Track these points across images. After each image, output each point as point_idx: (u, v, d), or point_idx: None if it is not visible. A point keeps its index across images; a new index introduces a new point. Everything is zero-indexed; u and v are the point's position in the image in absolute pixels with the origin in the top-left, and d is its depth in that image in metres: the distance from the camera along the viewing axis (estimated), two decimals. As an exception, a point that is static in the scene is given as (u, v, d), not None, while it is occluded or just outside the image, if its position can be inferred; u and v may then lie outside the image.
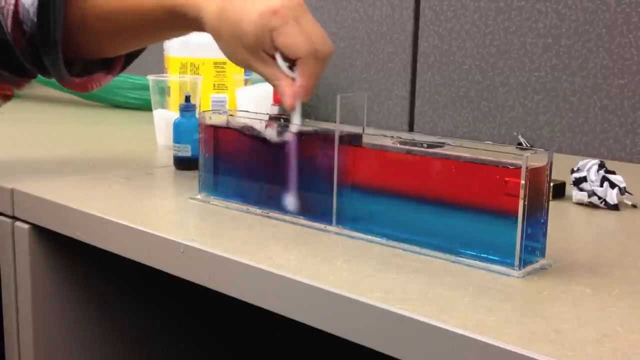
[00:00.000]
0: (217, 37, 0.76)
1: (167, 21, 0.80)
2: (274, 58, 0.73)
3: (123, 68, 0.93)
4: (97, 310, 0.90)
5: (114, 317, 0.91)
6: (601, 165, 0.83)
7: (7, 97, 0.92)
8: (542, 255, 0.62)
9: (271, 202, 0.75)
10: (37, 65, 0.84)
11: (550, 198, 0.62)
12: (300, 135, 0.73)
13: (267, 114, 0.79)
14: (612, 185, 0.82)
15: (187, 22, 0.79)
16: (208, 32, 0.77)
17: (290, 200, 0.73)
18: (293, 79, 0.73)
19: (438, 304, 0.52)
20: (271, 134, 0.75)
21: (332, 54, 0.73)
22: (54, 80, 0.88)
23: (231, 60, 0.77)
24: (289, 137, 0.73)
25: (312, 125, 0.74)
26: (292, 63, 0.73)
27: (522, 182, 0.57)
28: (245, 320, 1.04)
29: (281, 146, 0.74)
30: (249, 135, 0.77)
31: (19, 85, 0.91)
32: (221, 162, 0.79)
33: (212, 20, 0.75)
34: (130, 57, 0.93)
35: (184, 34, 0.85)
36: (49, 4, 0.80)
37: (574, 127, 1.17)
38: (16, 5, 0.81)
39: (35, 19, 0.80)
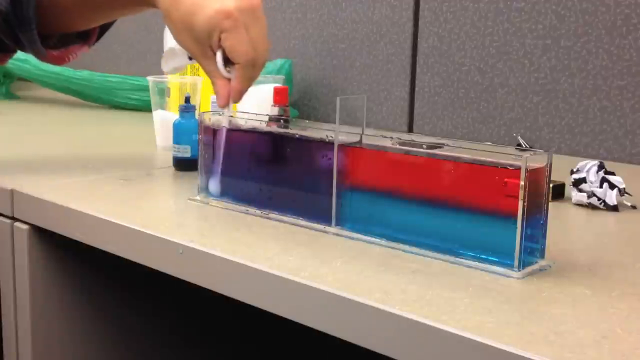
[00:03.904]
0: (167, 19, 0.79)
1: (125, 1, 0.85)
2: (215, 54, 0.76)
3: (97, 39, 0.95)
4: (96, 311, 0.90)
5: (113, 317, 0.91)
6: (601, 166, 0.83)
7: None
8: (542, 256, 0.62)
9: (270, 203, 0.75)
10: (15, 42, 0.86)
11: (550, 199, 0.62)
12: (293, 137, 0.73)
13: (267, 114, 0.79)
14: (612, 186, 0.82)
15: (142, 1, 0.82)
16: (160, 10, 0.80)
17: (214, 184, 0.78)
18: (229, 80, 0.77)
19: (437, 305, 0.52)
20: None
21: (266, 63, 0.78)
22: (52, 80, 0.89)
23: (176, 41, 0.80)
24: (221, 128, 0.78)
25: (312, 127, 0.74)
26: (230, 64, 0.77)
27: (522, 183, 0.57)
28: (244, 321, 1.04)
29: (280, 146, 0.74)
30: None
31: (1, 61, 0.93)
32: (220, 163, 0.79)
33: (164, 2, 0.78)
34: (103, 29, 0.95)
35: (139, 11, 0.89)
36: None
37: (573, 128, 1.17)
38: None
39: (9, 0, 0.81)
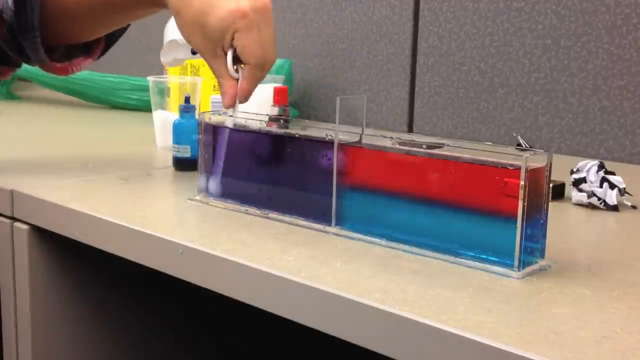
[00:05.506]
0: (177, 16, 0.79)
1: (136, 1, 0.84)
2: (225, 54, 0.77)
3: (103, 52, 0.95)
4: (96, 311, 0.90)
5: (113, 317, 0.91)
6: (601, 166, 0.83)
7: None
8: (542, 256, 0.61)
9: (270, 203, 0.75)
10: (19, 53, 0.86)
11: (550, 199, 0.62)
12: (292, 135, 0.73)
13: (267, 114, 0.79)
14: (612, 186, 0.82)
15: (152, 1, 0.82)
16: (169, 8, 0.79)
17: (213, 185, 0.78)
18: (236, 80, 0.78)
19: (437, 305, 0.52)
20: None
21: (273, 64, 0.79)
22: (52, 81, 0.89)
23: (186, 40, 0.80)
24: (225, 128, 0.78)
25: (312, 127, 0.74)
26: (238, 65, 0.77)
27: (522, 183, 0.57)
28: (244, 321, 1.04)
29: (280, 146, 0.74)
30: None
31: (3, 74, 0.92)
32: (220, 163, 0.79)
33: (175, 1, 0.78)
34: (109, 42, 0.95)
35: (151, 12, 0.88)
36: None
37: (573, 128, 1.17)
38: None
39: (12, 7, 0.81)
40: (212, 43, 0.77)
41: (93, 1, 0.85)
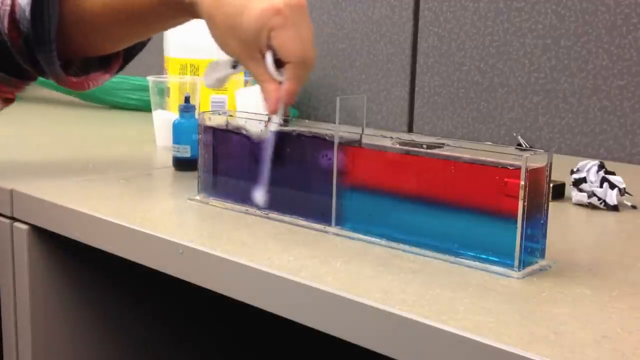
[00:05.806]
0: (211, 24, 0.76)
1: (163, 11, 0.80)
2: (264, 56, 0.73)
3: (122, 67, 0.93)
4: (96, 311, 0.90)
5: (113, 318, 0.91)
6: (601, 166, 0.83)
7: (8, 101, 0.91)
8: (542, 256, 0.61)
9: (270, 203, 0.75)
10: (33, 65, 0.84)
11: (550, 199, 0.62)
12: (292, 135, 0.73)
13: (267, 114, 0.79)
14: (612, 186, 0.82)
15: (182, 9, 0.78)
16: (202, 17, 0.76)
17: (259, 195, 0.73)
18: (279, 82, 0.73)
19: (437, 305, 0.52)
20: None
21: (314, 64, 0.75)
22: (52, 81, 0.88)
23: (221, 48, 0.77)
24: (268, 134, 0.73)
25: (312, 126, 0.74)
26: (279, 65, 0.73)
27: (522, 183, 0.57)
28: (244, 321, 1.04)
29: (280, 146, 0.74)
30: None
31: (18, 88, 0.90)
32: (220, 163, 0.79)
33: (207, 6, 0.75)
34: (128, 56, 0.92)
35: (180, 23, 0.85)
36: (43, 0, 0.79)
37: (573, 128, 1.17)
38: (12, 5, 0.80)
39: (29, 18, 0.79)
40: (248, 46, 0.73)
41: (114, 10, 0.81)
